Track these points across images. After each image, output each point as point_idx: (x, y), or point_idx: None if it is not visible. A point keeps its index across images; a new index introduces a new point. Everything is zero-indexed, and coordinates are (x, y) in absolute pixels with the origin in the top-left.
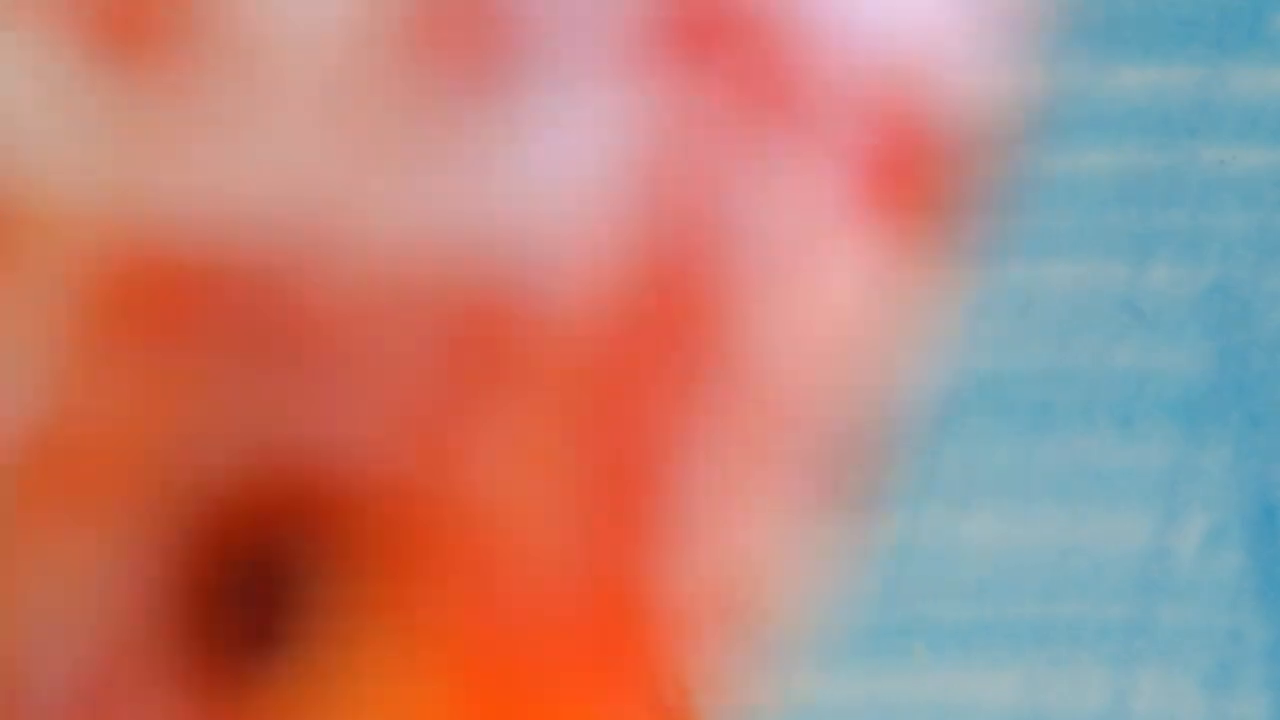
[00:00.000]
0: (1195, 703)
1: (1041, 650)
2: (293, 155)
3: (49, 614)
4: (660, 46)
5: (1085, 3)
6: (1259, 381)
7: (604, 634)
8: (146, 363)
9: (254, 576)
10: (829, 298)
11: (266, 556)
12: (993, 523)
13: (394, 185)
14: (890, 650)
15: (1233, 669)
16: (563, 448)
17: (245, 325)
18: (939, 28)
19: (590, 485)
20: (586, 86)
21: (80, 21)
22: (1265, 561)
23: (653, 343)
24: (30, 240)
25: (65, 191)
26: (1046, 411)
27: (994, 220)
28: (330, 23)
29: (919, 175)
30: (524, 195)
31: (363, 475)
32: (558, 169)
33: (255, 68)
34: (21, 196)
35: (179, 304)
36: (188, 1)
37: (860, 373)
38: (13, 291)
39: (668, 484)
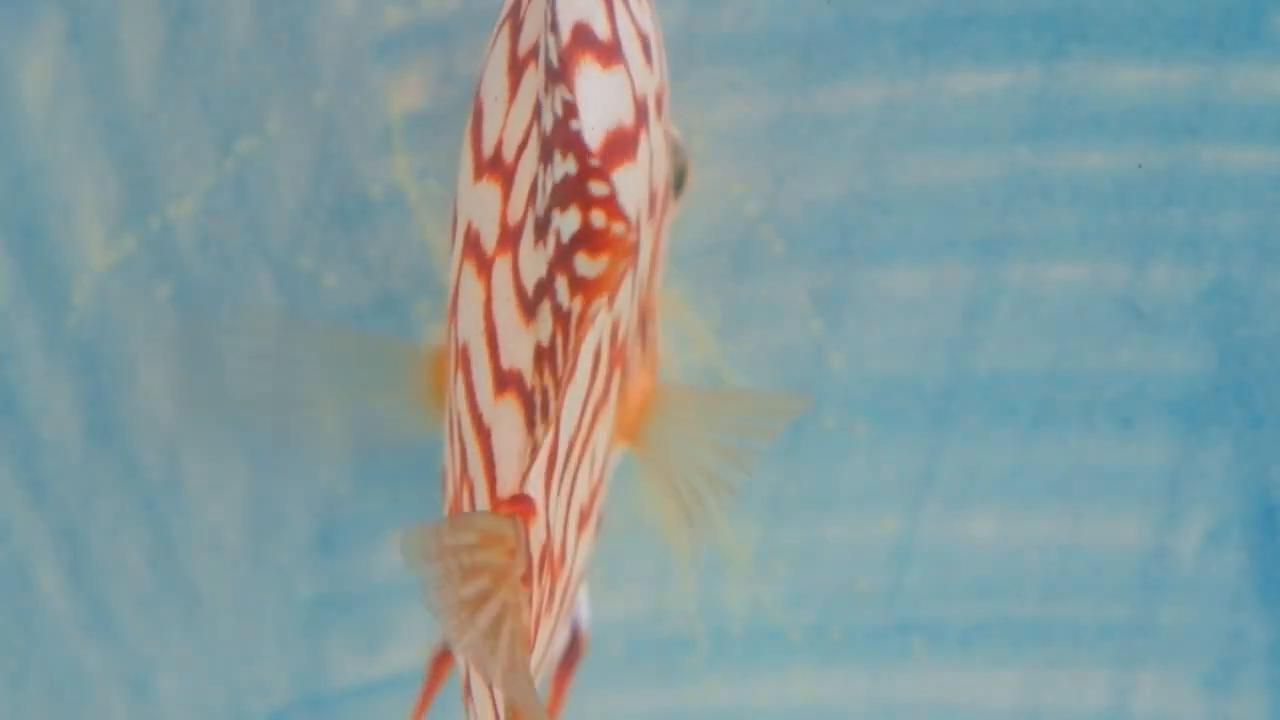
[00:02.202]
0: (1195, 703)
1: (1041, 650)
2: None
3: None
4: None
5: (1085, 3)
6: (1259, 381)
7: None
8: None
9: None
10: None
11: None
12: (993, 523)
13: None
14: (890, 650)
15: (1233, 669)
16: None
17: None
18: None
19: None
20: None
21: None
22: (1265, 561)
23: None
24: None
25: None
26: (1046, 411)
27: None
28: None
29: None
30: None
31: None
32: None
33: None
34: None
35: None
36: None
37: None
38: None
39: None
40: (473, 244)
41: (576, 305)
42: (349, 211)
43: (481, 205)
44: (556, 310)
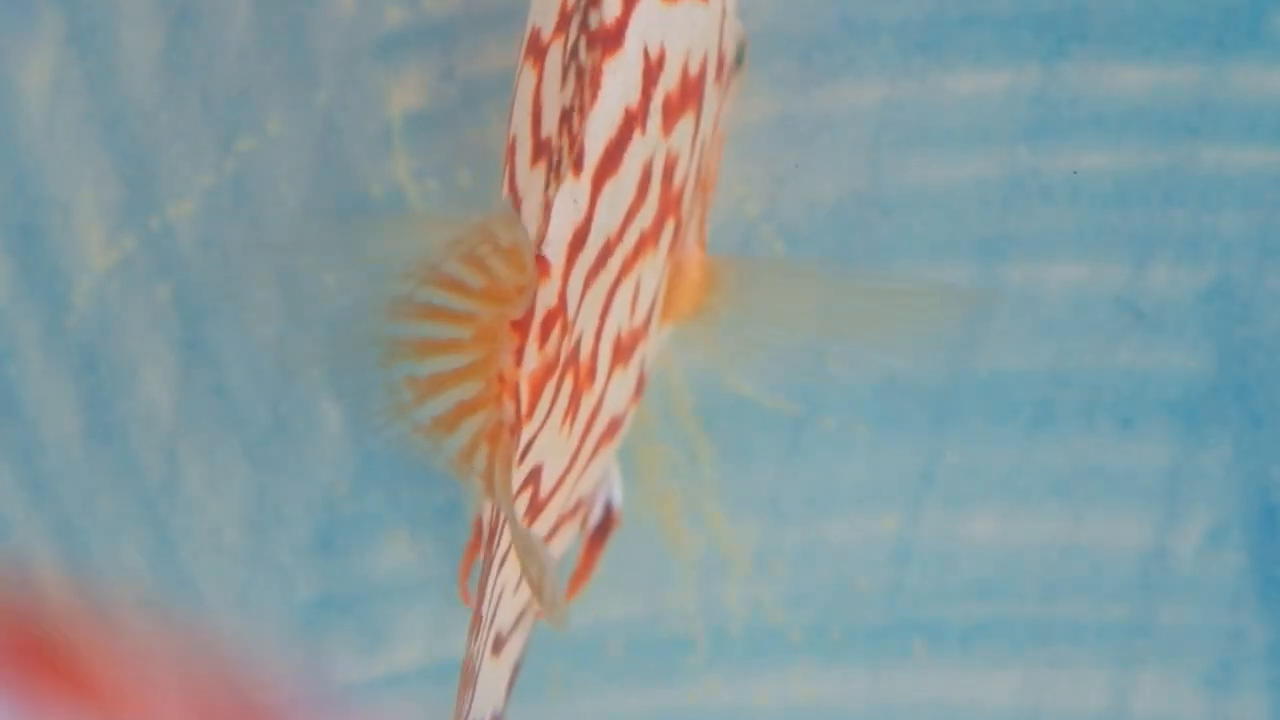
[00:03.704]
0: (1195, 703)
1: (1041, 650)
2: None
3: None
4: None
5: (1085, 3)
6: (1259, 381)
7: None
8: None
9: None
10: None
11: None
12: (993, 523)
13: None
14: (890, 650)
15: (1233, 669)
16: None
17: None
18: None
19: None
20: None
21: None
22: (1265, 561)
23: None
24: None
25: None
26: (1046, 411)
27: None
28: None
29: None
30: None
31: None
32: None
33: None
34: None
35: None
36: None
37: None
38: None
39: None
40: (533, 43)
41: (593, 58)
42: (349, 211)
43: (546, 2)
44: (579, 72)
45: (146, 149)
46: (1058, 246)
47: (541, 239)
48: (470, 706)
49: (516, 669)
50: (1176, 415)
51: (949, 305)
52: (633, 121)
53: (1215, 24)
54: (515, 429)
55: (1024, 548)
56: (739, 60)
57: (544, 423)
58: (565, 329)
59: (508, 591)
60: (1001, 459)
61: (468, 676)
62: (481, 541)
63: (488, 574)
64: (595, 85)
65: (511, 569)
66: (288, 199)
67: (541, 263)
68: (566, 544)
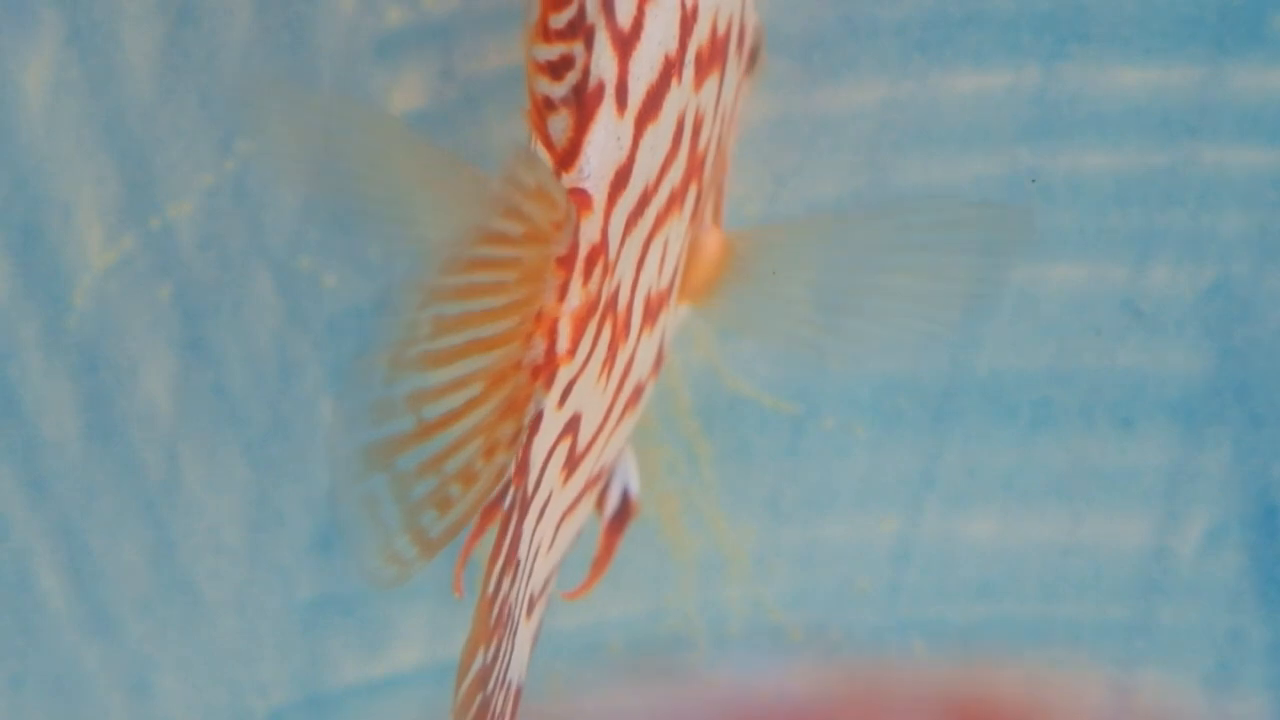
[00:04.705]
0: (1195, 703)
1: (1041, 650)
2: None
3: None
4: None
5: (1085, 3)
6: (1259, 381)
7: None
8: None
9: None
10: None
11: None
12: (993, 523)
13: None
14: (890, 650)
15: (1233, 669)
16: None
17: None
18: None
19: None
20: None
21: None
22: (1265, 561)
23: None
24: None
25: None
26: (1046, 411)
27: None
28: None
29: None
30: None
31: None
32: None
33: None
34: None
35: None
36: None
37: None
38: None
39: None
40: None
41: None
42: (348, 212)
43: None
44: None
45: (146, 149)
46: (1058, 246)
47: (565, 167)
48: (510, 656)
49: (533, 645)
50: (1176, 415)
51: (971, 216)
52: (670, 69)
53: (1215, 24)
54: (544, 369)
55: (1024, 548)
56: (753, 58)
57: (584, 367)
58: (607, 269)
59: (542, 550)
60: (1001, 459)
61: (502, 618)
62: (499, 508)
63: (523, 519)
64: (638, 26)
65: (547, 525)
66: (288, 199)
67: (584, 196)
68: (582, 520)
